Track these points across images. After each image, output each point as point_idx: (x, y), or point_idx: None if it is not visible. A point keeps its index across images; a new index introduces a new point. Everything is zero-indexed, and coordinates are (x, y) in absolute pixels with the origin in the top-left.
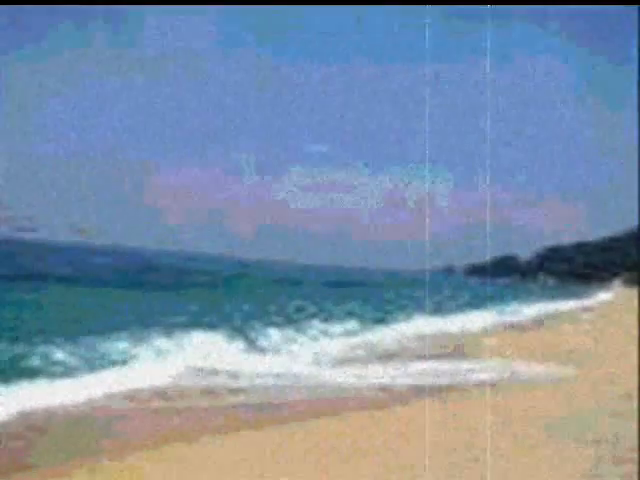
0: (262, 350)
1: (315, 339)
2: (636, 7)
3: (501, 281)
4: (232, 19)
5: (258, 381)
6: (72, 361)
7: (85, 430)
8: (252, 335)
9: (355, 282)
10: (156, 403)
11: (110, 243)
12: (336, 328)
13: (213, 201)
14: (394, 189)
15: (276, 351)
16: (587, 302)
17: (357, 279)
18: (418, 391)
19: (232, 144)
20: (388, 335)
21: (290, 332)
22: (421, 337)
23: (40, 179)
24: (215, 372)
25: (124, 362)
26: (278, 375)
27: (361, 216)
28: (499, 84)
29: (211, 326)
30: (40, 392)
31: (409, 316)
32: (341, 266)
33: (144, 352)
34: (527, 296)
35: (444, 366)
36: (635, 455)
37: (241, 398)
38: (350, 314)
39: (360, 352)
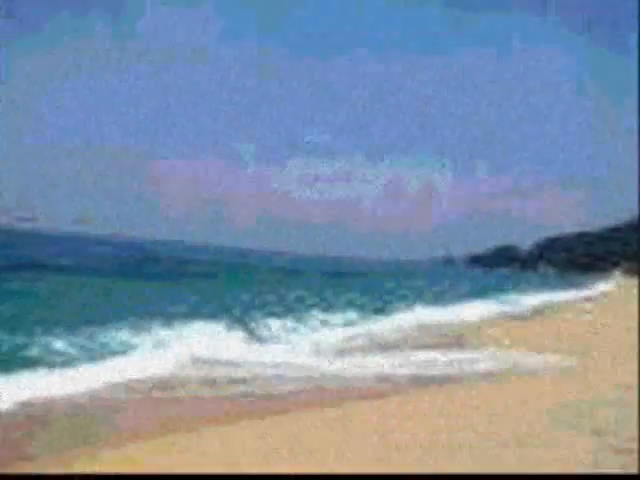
0: (262, 340)
1: (315, 329)
2: None
3: (501, 271)
4: (233, 10)
5: (258, 371)
6: (72, 351)
7: (85, 420)
8: (252, 325)
9: (355, 272)
10: (156, 393)
11: (110, 233)
12: (336, 318)
13: (213, 191)
14: (394, 179)
15: (276, 341)
16: (587, 292)
17: (357, 269)
18: (418, 381)
19: (233, 135)
20: (388, 325)
21: (290, 322)
22: (421, 327)
23: (40, 169)
24: (215, 362)
25: (124, 352)
26: (278, 365)
27: (361, 206)
28: (500, 74)
29: (211, 316)
30: (40, 382)
31: (409, 306)
32: (341, 256)
33: (144, 342)
34: (527, 286)
35: (444, 356)
36: (635, 445)
37: (241, 388)
38: (350, 304)
39: (360, 342)
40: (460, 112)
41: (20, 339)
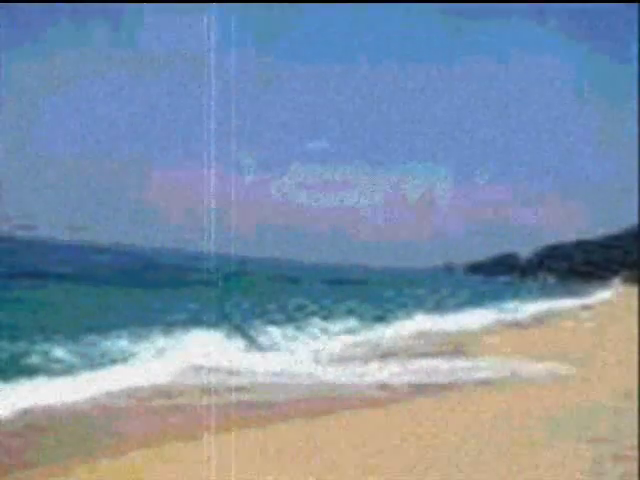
0: (262, 348)
1: (315, 337)
2: (636, 5)
3: (501, 279)
4: (232, 17)
5: (258, 379)
6: (72, 359)
7: (85, 428)
8: (252, 333)
9: (355, 280)
10: (156, 401)
11: (110, 241)
12: (336, 326)
13: (213, 199)
14: (394, 187)
15: (276, 349)
16: (587, 300)
17: (357, 277)
18: (418, 389)
19: (232, 142)
20: (388, 333)
21: (290, 330)
22: (421, 335)
23: (40, 177)
24: (215, 370)
25: (124, 360)
26: (278, 373)
27: (361, 214)
28: (500, 82)
29: (211, 324)
30: (40, 390)
31: (409, 314)
32: (341, 264)
33: (144, 350)
34: (527, 294)
35: (444, 364)
36: (635, 453)
37: (241, 396)
38: (350, 312)
39: (360, 350)
40: (459, 120)
41: (20, 347)
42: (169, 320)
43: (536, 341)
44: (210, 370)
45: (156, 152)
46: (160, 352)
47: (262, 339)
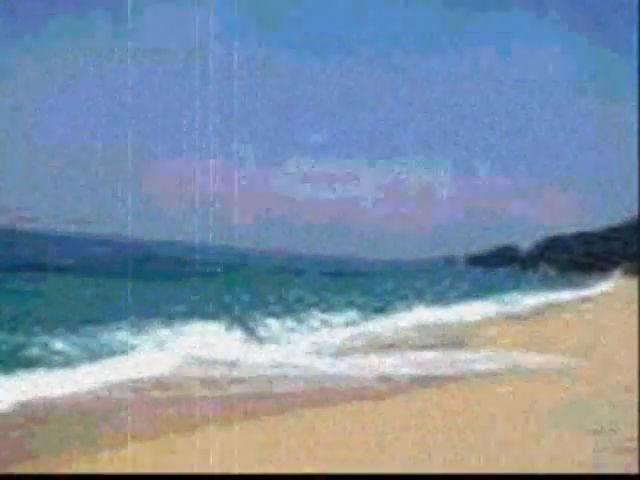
0: (262, 340)
1: (315, 329)
2: None
3: (501, 271)
4: (232, 10)
5: (257, 371)
6: (72, 351)
7: (85, 420)
8: (252, 325)
9: (355, 272)
10: (156, 393)
11: (110, 233)
12: (336, 318)
13: (213, 190)
14: (394, 179)
15: (276, 341)
16: (587, 292)
17: (357, 269)
18: (418, 381)
19: (233, 133)
20: (388, 325)
21: (290, 322)
22: (421, 327)
23: (39, 169)
24: (215, 362)
25: (124, 352)
26: (278, 365)
27: (362, 206)
28: (500, 74)
29: (211, 316)
30: (40, 382)
31: (409, 306)
32: (341, 256)
33: (144, 342)
34: (527, 286)
35: (444, 356)
36: (635, 445)
37: (241, 388)
38: (350, 304)
39: (360, 342)
40: (460, 112)
41: (20, 339)
42: (169, 312)
43: (536, 333)
44: (210, 362)
45: (156, 143)
46: (160, 344)
47: (261, 331)
